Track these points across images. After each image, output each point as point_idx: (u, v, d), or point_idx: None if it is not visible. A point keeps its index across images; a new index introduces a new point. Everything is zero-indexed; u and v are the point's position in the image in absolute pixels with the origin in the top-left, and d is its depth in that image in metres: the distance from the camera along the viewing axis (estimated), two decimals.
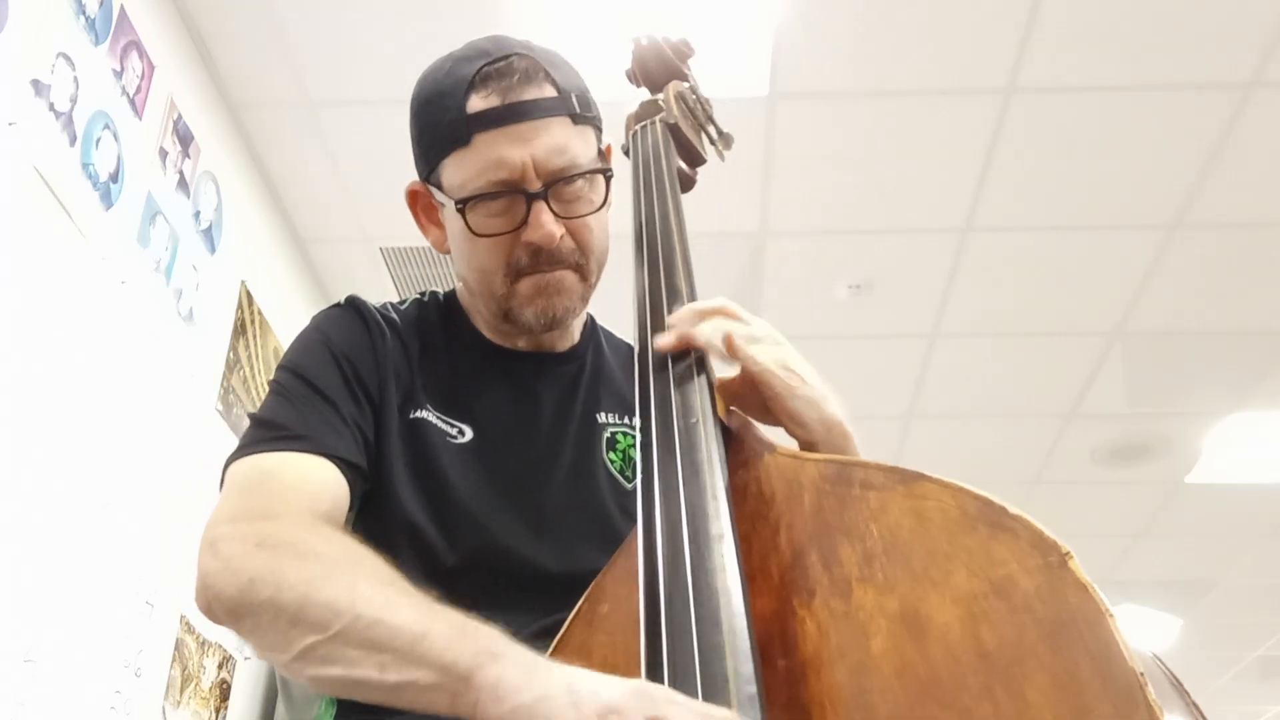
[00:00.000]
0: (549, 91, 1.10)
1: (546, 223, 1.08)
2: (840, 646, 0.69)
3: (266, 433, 1.03)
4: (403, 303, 1.22)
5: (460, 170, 1.09)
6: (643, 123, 1.36)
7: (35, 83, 2.14)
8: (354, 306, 1.17)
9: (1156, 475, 4.80)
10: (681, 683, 0.67)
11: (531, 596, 1.02)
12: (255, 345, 3.16)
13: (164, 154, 2.68)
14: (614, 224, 1.20)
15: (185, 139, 2.79)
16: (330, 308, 1.19)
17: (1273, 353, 3.99)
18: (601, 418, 1.19)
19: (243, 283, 3.14)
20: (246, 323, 3.14)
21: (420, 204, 1.20)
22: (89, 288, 2.31)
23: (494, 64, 1.10)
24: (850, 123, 3.14)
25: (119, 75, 2.46)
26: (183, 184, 2.78)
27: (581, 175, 1.10)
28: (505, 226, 1.09)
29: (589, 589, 0.88)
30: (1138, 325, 3.86)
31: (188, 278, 2.79)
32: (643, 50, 1.46)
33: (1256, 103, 2.99)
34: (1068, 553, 0.64)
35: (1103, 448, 4.62)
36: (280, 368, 1.12)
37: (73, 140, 2.27)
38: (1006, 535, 0.66)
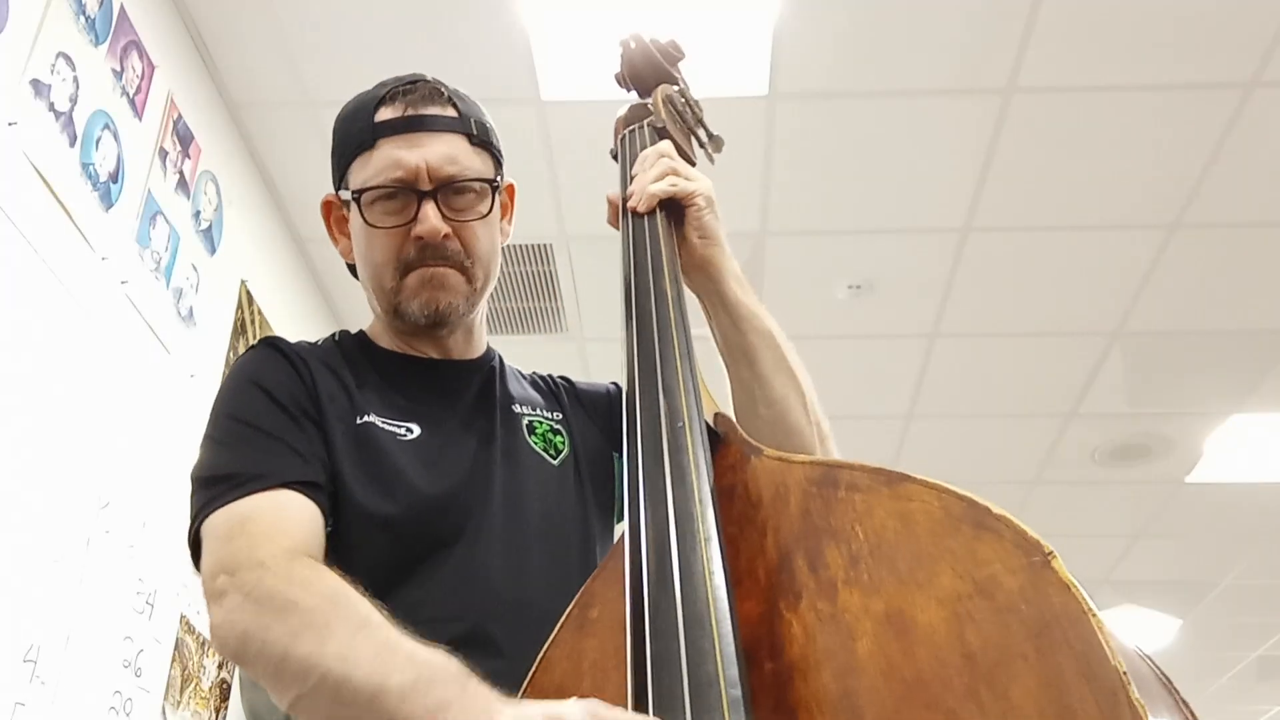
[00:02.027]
0: (450, 112, 1.23)
1: (432, 217, 1.18)
2: (827, 649, 0.69)
3: (225, 485, 1.07)
4: (317, 341, 1.30)
5: (364, 170, 1.21)
6: (631, 126, 1.37)
7: (35, 83, 2.15)
8: (270, 345, 1.24)
9: (1156, 475, 4.79)
10: (667, 685, 0.68)
11: (489, 556, 1.13)
12: None
13: (164, 154, 2.68)
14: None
15: (185, 139, 2.79)
16: (245, 352, 1.25)
17: (1273, 353, 3.98)
18: (517, 409, 1.29)
19: (243, 283, 3.15)
20: (246, 323, 3.15)
21: (333, 215, 1.31)
22: (89, 288, 2.32)
23: (403, 85, 1.24)
24: (850, 123, 3.14)
25: (119, 75, 2.47)
26: (183, 184, 2.78)
27: (469, 183, 1.21)
28: (397, 221, 1.20)
29: (579, 593, 0.89)
30: (1138, 325, 3.86)
31: (188, 278, 2.80)
32: (631, 53, 1.46)
33: (1256, 103, 2.99)
34: (1051, 552, 0.64)
35: (1103, 448, 4.62)
36: (214, 419, 1.17)
37: (73, 140, 2.27)
38: (990, 535, 0.67)
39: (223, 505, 1.05)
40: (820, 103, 3.08)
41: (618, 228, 1.25)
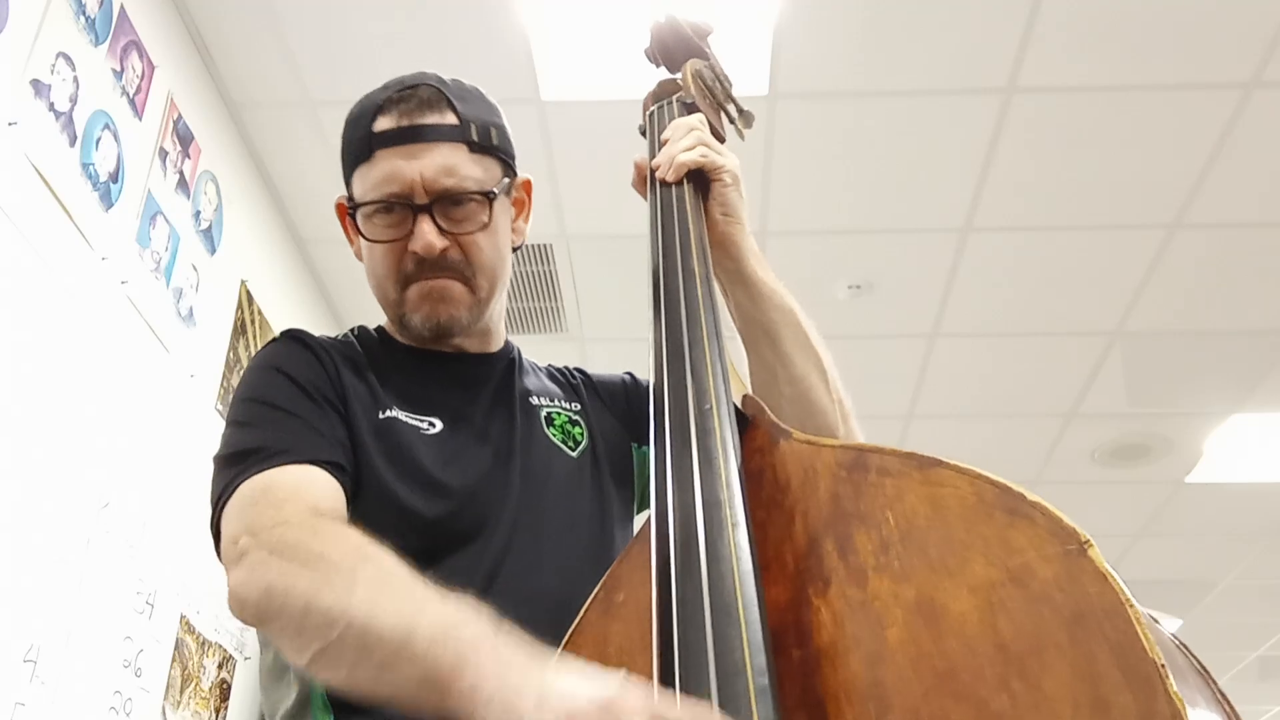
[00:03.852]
0: (449, 119, 1.20)
1: (427, 233, 1.16)
2: (856, 636, 0.68)
3: (250, 459, 1.07)
4: (336, 336, 1.29)
5: (362, 182, 1.20)
6: (660, 102, 1.36)
7: (35, 83, 2.14)
8: (293, 336, 1.23)
9: (1156, 475, 4.79)
10: (695, 673, 0.67)
11: (507, 549, 1.13)
12: (255, 345, 3.15)
13: (164, 154, 2.67)
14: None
15: (185, 139, 2.78)
16: (268, 343, 1.25)
17: (1273, 353, 3.99)
18: (535, 401, 1.29)
19: (243, 282, 3.14)
20: (246, 323, 3.14)
21: (346, 218, 1.29)
22: (89, 288, 2.31)
23: (402, 91, 1.21)
24: (850, 123, 3.13)
25: (119, 75, 2.46)
26: (183, 184, 2.77)
27: (467, 194, 1.19)
28: (394, 235, 1.19)
29: (605, 576, 0.88)
30: (1138, 325, 3.86)
31: (188, 278, 2.79)
32: (661, 29, 1.43)
33: (1256, 103, 2.99)
34: (1087, 541, 0.63)
35: (1103, 448, 4.62)
36: (235, 405, 1.17)
37: (73, 140, 2.26)
38: (1024, 522, 0.66)
39: (246, 480, 1.04)
40: (820, 103, 3.07)
41: (643, 195, 1.24)
